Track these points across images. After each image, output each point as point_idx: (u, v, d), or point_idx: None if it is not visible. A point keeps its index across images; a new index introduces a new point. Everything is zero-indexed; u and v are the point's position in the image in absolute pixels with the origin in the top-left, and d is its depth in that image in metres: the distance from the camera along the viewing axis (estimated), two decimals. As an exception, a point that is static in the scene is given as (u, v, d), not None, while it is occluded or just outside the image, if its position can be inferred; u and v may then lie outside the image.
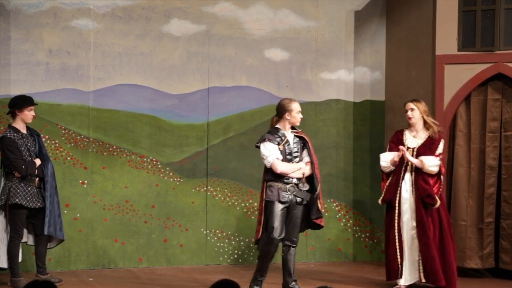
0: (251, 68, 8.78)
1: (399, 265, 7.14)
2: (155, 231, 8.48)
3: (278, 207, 6.82)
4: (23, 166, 7.12)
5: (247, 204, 8.76)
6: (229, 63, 8.70)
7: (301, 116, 6.97)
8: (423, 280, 7.12)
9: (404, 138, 7.24)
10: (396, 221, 7.15)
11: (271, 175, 6.87)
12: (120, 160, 8.40)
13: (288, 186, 6.84)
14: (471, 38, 7.98)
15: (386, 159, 7.24)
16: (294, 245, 6.97)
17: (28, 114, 7.26)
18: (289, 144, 6.91)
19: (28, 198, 7.17)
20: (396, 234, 7.15)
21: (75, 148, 8.24)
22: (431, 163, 7.06)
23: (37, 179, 7.23)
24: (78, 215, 8.23)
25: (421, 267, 7.11)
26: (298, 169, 6.88)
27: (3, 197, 7.15)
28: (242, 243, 8.73)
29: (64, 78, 8.20)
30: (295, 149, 6.93)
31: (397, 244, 7.15)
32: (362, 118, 9.07)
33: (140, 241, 8.43)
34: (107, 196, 8.35)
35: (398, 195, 7.15)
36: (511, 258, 7.90)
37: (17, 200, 7.12)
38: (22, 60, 8.05)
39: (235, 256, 8.72)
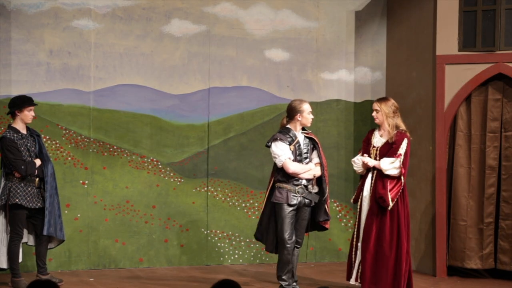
0: (252, 69, 8.78)
1: (353, 264, 7.08)
2: (155, 231, 8.48)
3: (287, 210, 6.83)
4: (23, 167, 7.11)
5: (248, 204, 8.76)
6: (230, 64, 8.71)
7: (312, 117, 7.00)
8: (358, 280, 7.02)
9: (372, 138, 7.16)
10: (357, 220, 7.10)
11: (281, 176, 6.87)
12: (120, 160, 8.40)
13: (297, 187, 6.85)
14: (472, 38, 7.98)
15: (359, 164, 7.11)
16: (298, 246, 7.00)
17: (28, 114, 7.25)
18: (299, 145, 6.92)
19: (28, 199, 7.16)
20: (355, 233, 7.09)
21: (76, 148, 8.25)
22: (387, 167, 6.87)
23: (37, 179, 7.22)
24: (78, 215, 8.24)
25: (359, 267, 7.03)
26: (309, 169, 6.89)
27: (3, 198, 7.15)
28: (242, 243, 8.73)
29: (65, 79, 8.21)
30: (305, 150, 6.95)
31: (354, 243, 7.09)
32: (363, 118, 9.06)
33: (141, 241, 8.44)
34: (107, 196, 8.35)
35: (361, 194, 7.09)
36: (509, 258, 7.89)
37: (17, 200, 7.11)
38: (23, 61, 8.06)
39: (236, 256, 8.72)
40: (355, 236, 7.09)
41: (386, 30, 9.03)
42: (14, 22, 8.01)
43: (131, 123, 8.42)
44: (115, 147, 8.39)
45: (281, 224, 6.83)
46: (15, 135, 7.19)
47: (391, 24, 8.96)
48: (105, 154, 8.34)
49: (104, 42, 8.31)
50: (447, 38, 8.01)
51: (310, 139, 7.04)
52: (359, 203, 7.09)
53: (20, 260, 7.32)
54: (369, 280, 6.91)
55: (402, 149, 6.97)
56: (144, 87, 8.46)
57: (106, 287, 7.41)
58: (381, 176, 6.95)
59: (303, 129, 7.03)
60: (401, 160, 6.92)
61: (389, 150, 6.97)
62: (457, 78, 7.99)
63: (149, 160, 8.49)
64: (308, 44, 8.94)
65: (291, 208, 6.84)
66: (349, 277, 7.14)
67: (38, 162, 7.24)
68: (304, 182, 6.89)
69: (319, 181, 6.98)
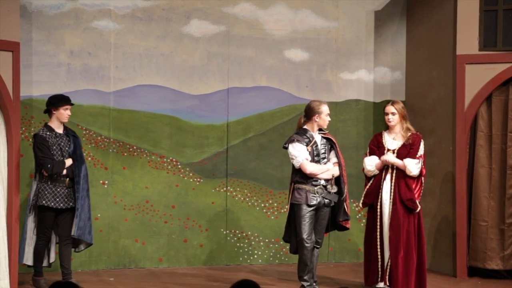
0: (271, 69, 8.78)
1: (379, 268, 7.05)
2: (175, 231, 8.50)
3: (306, 210, 6.83)
4: (49, 165, 6.99)
5: (267, 205, 8.76)
6: (249, 64, 8.71)
7: (329, 119, 7.00)
8: (387, 284, 7.01)
9: (383, 141, 7.14)
10: (378, 223, 7.07)
11: (300, 177, 6.87)
12: (140, 160, 8.43)
13: (316, 188, 6.85)
14: (493, 37, 7.94)
15: (372, 163, 7.10)
16: (318, 246, 7.00)
17: (64, 113, 7.15)
18: (316, 146, 6.92)
19: (57, 199, 7.06)
20: (378, 236, 7.05)
21: (96, 148, 8.28)
22: (413, 167, 6.94)
23: (67, 179, 7.09)
24: (99, 215, 8.27)
25: (387, 270, 7.01)
26: (327, 170, 6.89)
27: (34, 198, 7.09)
28: (262, 243, 8.73)
29: (85, 79, 8.25)
30: (323, 151, 6.95)
31: (378, 246, 7.05)
32: (382, 118, 8.91)
33: (161, 241, 8.46)
34: (127, 197, 8.38)
35: (379, 196, 7.07)
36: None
37: (43, 202, 7.03)
38: (44, 61, 8.11)
39: (255, 256, 8.72)
40: (378, 239, 7.06)
41: (405, 30, 9.00)
42: (35, 23, 8.06)
43: (151, 124, 8.45)
44: (134, 147, 8.42)
45: (300, 224, 6.83)
46: (48, 133, 7.12)
47: (411, 24, 8.93)
48: (125, 154, 8.37)
49: (124, 43, 8.34)
50: (468, 38, 7.97)
51: (327, 139, 7.03)
52: (378, 207, 7.06)
53: (53, 260, 7.28)
54: (401, 282, 6.91)
55: (421, 151, 7.05)
56: (163, 88, 8.48)
57: (126, 287, 7.43)
58: (403, 178, 6.96)
59: (320, 129, 7.02)
60: (422, 161, 6.99)
61: (408, 152, 6.98)
62: (477, 78, 7.95)
63: (169, 160, 8.51)
64: (328, 44, 8.93)
65: (310, 209, 6.84)
66: (370, 282, 7.12)
67: (69, 162, 7.11)
68: (322, 182, 6.88)
69: (337, 181, 6.98)
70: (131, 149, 8.40)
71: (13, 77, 7.13)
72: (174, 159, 8.53)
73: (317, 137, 6.97)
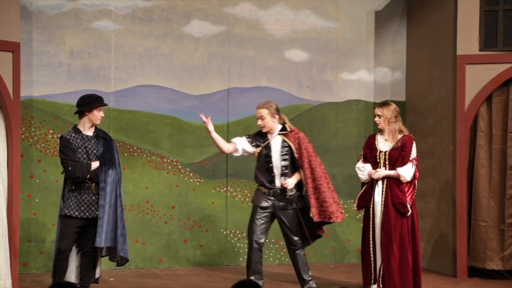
0: (272, 69, 8.78)
1: (372, 271, 7.03)
2: (175, 232, 8.50)
3: (258, 212, 6.85)
4: (70, 168, 6.39)
5: (267, 205, 8.76)
6: (250, 64, 8.71)
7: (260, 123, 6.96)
8: (380, 286, 6.98)
9: (376, 143, 7.08)
10: (371, 225, 7.03)
11: (257, 178, 6.96)
12: (140, 160, 8.43)
13: (271, 191, 6.85)
14: (493, 38, 7.93)
15: (364, 173, 7.04)
16: (296, 247, 6.93)
17: (98, 114, 6.55)
18: (270, 150, 6.91)
19: (82, 208, 6.45)
20: (371, 238, 7.02)
21: (96, 148, 8.28)
22: (407, 174, 6.88)
23: (93, 184, 6.47)
24: (99, 215, 8.26)
25: (381, 272, 6.97)
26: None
27: (60, 208, 6.60)
28: (262, 243, 8.73)
29: (85, 79, 8.25)
30: (282, 158, 6.90)
31: (371, 248, 7.02)
32: (382, 118, 9.02)
33: (161, 241, 8.47)
34: (127, 197, 8.37)
35: (372, 198, 7.03)
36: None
37: (66, 211, 6.45)
38: (44, 62, 8.11)
39: (256, 256, 8.72)
40: (370, 240, 7.04)
41: (406, 30, 9.00)
42: (36, 23, 8.06)
43: (151, 124, 8.45)
44: (135, 148, 8.42)
45: (249, 225, 6.88)
46: (73, 135, 6.52)
47: (412, 24, 8.93)
48: (125, 154, 8.37)
49: (124, 43, 8.35)
50: (468, 38, 7.97)
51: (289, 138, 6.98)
52: (371, 209, 7.03)
53: (99, 275, 6.76)
54: (398, 285, 6.89)
55: (414, 154, 6.97)
56: (164, 88, 8.49)
57: (126, 287, 7.43)
58: (396, 181, 6.93)
59: (282, 128, 7.00)
60: (415, 164, 6.94)
61: (400, 154, 6.93)
62: (478, 78, 7.94)
63: (169, 160, 8.51)
64: (328, 44, 8.92)
65: (262, 211, 6.84)
66: (368, 283, 7.11)
67: (95, 164, 6.49)
68: (278, 185, 6.86)
69: (300, 186, 6.91)
70: (131, 149, 8.41)
71: (14, 78, 7.13)
72: (174, 159, 8.53)
73: (275, 140, 6.93)
